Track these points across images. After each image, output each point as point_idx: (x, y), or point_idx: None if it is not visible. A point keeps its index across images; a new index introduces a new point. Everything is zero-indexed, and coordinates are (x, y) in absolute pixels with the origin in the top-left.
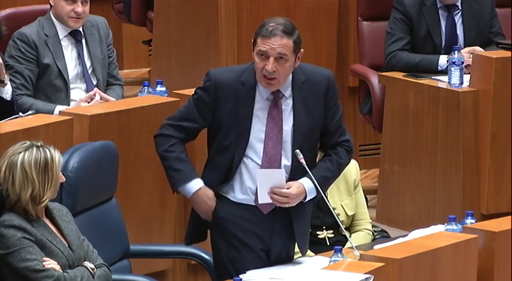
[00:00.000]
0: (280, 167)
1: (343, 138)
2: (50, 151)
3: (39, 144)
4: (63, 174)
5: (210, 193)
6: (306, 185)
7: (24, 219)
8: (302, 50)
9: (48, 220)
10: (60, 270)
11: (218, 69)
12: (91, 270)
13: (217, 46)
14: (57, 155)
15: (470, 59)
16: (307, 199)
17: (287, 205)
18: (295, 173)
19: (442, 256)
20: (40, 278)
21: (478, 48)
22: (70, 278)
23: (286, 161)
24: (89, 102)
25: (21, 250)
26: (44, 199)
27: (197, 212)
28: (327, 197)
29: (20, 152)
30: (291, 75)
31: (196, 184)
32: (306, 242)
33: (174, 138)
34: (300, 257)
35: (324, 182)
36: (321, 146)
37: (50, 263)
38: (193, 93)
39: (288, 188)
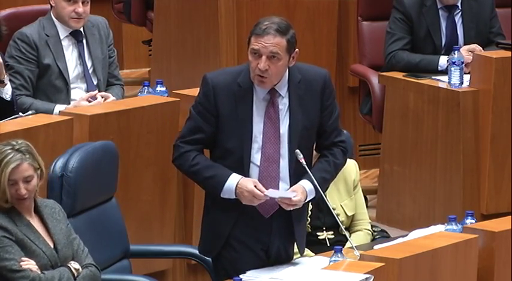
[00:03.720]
0: (278, 167)
1: (339, 139)
2: (12, 157)
3: (18, 148)
4: (63, 174)
5: (248, 181)
6: (307, 186)
7: (7, 217)
8: (297, 49)
9: (37, 217)
10: (38, 271)
11: (214, 72)
12: (74, 270)
13: (217, 46)
14: (12, 165)
15: (470, 57)
16: (306, 200)
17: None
18: (295, 172)
19: (442, 256)
20: (16, 278)
21: (477, 47)
22: (46, 279)
23: (284, 160)
24: (89, 101)
25: (0, 249)
26: None
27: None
28: (326, 198)
29: (1, 145)
30: (287, 74)
31: (233, 180)
32: (304, 242)
33: (192, 152)
34: (299, 257)
35: (323, 183)
36: (316, 147)
37: (28, 264)
38: (192, 105)
39: (294, 195)
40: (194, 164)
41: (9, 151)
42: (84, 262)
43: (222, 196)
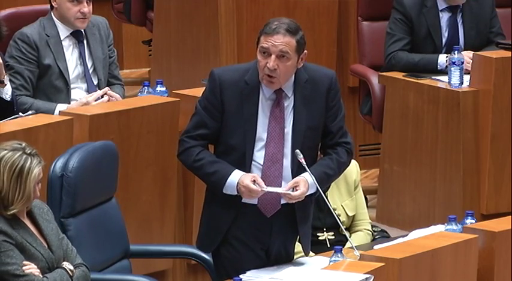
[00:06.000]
0: (281, 167)
1: (344, 140)
2: (31, 162)
3: (30, 152)
4: (63, 174)
5: (246, 177)
6: (309, 179)
7: (5, 221)
8: (306, 51)
9: (29, 219)
10: (40, 274)
11: (221, 68)
12: (70, 272)
13: (217, 46)
14: (36, 170)
15: (470, 65)
16: (306, 194)
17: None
18: (298, 172)
19: (442, 256)
20: None
21: None
22: None
23: (287, 160)
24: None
25: (1, 253)
26: (12, 207)
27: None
28: (327, 198)
29: (6, 150)
30: (293, 75)
31: (235, 176)
32: (309, 242)
33: (196, 147)
34: (300, 257)
35: (325, 178)
36: (321, 147)
37: (30, 268)
38: (199, 99)
39: (296, 188)
40: (198, 159)
41: (25, 156)
42: (74, 262)
43: (224, 191)
